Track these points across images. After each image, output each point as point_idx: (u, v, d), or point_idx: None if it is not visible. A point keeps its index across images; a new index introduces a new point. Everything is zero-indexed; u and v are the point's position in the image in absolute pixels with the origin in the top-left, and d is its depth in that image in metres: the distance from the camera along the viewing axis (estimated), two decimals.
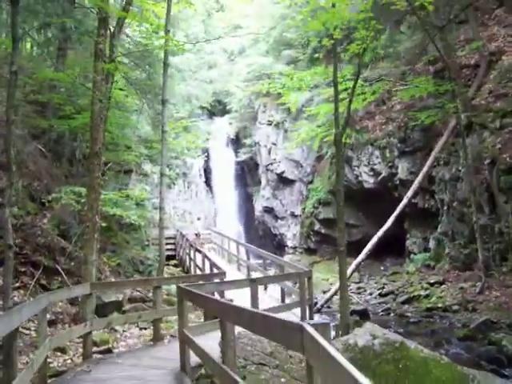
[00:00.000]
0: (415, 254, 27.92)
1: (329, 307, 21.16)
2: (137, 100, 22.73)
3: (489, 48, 23.89)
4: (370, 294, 22.66)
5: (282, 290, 16.23)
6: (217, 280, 12.23)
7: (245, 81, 39.34)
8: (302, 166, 36.87)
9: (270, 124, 37.53)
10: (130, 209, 18.57)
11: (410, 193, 22.76)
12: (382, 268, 29.51)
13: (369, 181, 30.09)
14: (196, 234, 31.69)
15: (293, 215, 37.26)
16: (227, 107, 44.96)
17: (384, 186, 29.28)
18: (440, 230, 25.44)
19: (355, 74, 15.14)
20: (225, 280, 12.29)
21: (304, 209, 36.17)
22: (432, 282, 21.05)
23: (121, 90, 20.35)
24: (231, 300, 11.73)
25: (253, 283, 10.71)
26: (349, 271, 21.20)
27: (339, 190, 14.21)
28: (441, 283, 20.88)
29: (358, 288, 23.27)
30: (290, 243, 36.90)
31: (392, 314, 19.20)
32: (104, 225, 15.57)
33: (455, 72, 22.21)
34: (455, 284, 20.24)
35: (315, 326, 3.55)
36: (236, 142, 45.38)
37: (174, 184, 38.72)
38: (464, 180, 22.60)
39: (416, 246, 28.31)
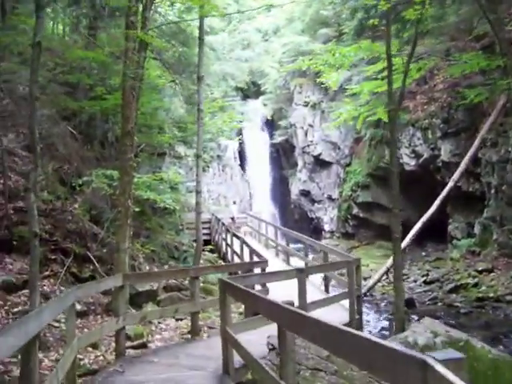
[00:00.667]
0: (458, 239, 26.80)
1: (371, 295, 20.24)
2: (170, 80, 21.97)
3: None
4: (415, 281, 21.66)
5: (326, 278, 15.35)
6: (258, 269, 11.44)
7: (280, 61, 38.28)
8: (339, 148, 35.82)
9: (307, 105, 36.49)
10: (165, 192, 17.86)
11: (456, 175, 21.66)
12: (424, 254, 28.44)
13: (410, 163, 28.95)
14: (232, 218, 31.00)
15: (330, 198, 36.32)
16: (262, 88, 43.97)
17: (425, 168, 28.14)
18: (486, 214, 24.28)
19: (412, 41, 13.98)
20: (268, 271, 11.48)
21: (341, 192, 35.21)
22: (480, 269, 19.99)
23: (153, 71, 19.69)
24: (267, 290, 10.97)
25: (301, 274, 9.76)
26: (391, 258, 20.30)
27: (393, 171, 13.40)
28: (489, 271, 19.81)
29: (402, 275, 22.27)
30: (327, 227, 36.00)
31: (440, 304, 18.20)
32: (137, 209, 14.99)
33: (506, 47, 20.88)
34: (505, 272, 19.14)
35: (446, 363, 2.37)
36: (271, 124, 44.47)
37: (208, 167, 38.03)
38: None
39: (459, 231, 27.17)
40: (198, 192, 14.16)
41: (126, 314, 8.94)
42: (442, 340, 7.12)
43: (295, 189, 38.73)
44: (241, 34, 44.70)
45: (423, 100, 28.59)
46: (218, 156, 39.25)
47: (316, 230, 37.34)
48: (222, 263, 20.48)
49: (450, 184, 21.53)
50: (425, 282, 20.78)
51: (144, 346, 9.78)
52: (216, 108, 19.82)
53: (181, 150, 31.90)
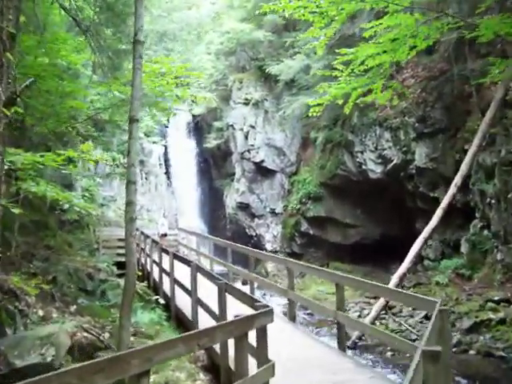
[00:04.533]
0: (431, 260, 22.52)
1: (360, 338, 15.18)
2: (88, 52, 16.26)
3: None
4: (411, 316, 16.75)
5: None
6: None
7: (217, 53, 33.18)
8: (284, 154, 31.02)
9: (248, 103, 31.45)
10: (73, 189, 12.21)
11: (458, 180, 17.10)
12: (391, 277, 23.88)
13: (375, 170, 24.47)
14: (163, 235, 25.49)
15: (273, 213, 31.35)
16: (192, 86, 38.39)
17: (395, 176, 23.74)
18: (473, 230, 20.06)
19: None
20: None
21: (287, 205, 30.37)
22: (496, 299, 15.45)
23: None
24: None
25: None
26: (390, 285, 15.48)
27: None
28: (508, 301, 15.34)
29: (388, 308, 17.27)
30: (269, 246, 30.98)
31: (472, 352, 13.37)
32: (34, 218, 9.40)
33: None
34: None
35: None
36: (200, 129, 39.23)
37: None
38: None
39: (432, 250, 22.94)
40: (131, 183, 8.71)
41: None
42: None
43: (231, 201, 33.37)
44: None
45: (392, 95, 24.24)
46: (141, 161, 33.41)
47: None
48: (160, 300, 14.78)
49: (452, 190, 16.92)
50: (426, 317, 15.87)
51: None
52: (157, 70, 14.35)
53: (96, 152, 26.05)
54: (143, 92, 12.56)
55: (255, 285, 15.65)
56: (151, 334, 10.65)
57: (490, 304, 15.21)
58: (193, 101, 34.55)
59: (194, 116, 39.61)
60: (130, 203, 8.63)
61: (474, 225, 20.05)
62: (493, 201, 18.19)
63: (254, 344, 6.62)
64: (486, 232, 19.37)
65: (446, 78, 22.29)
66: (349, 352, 11.19)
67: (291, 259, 13.79)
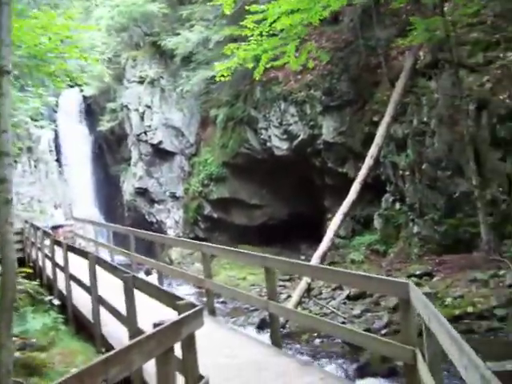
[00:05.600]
0: (342, 237, 21.71)
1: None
2: None
3: None
4: (333, 298, 15.57)
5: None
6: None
7: (108, 29, 30.72)
8: (183, 135, 29.29)
9: (142, 82, 29.32)
10: None
11: (373, 150, 16.21)
12: (303, 258, 22.97)
13: (281, 147, 23.36)
14: (57, 227, 23.07)
15: (174, 197, 29.60)
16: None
17: (302, 152, 22.78)
18: (385, 204, 19.47)
19: None
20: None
21: (188, 189, 28.73)
22: (418, 273, 14.70)
23: None
24: None
25: None
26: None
27: None
28: (429, 275, 14.66)
29: (308, 290, 16.05)
30: (171, 232, 29.22)
31: None
32: None
33: None
34: (455, 275, 14.02)
35: None
36: (93, 112, 36.65)
37: (15, 161, 29.43)
38: (436, 134, 16.58)
39: (342, 227, 22.15)
40: (4, 154, 6.65)
41: None
42: None
43: (129, 187, 31.20)
44: None
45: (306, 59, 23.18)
46: (29, 148, 30.58)
47: None
48: (54, 300, 12.70)
49: (369, 162, 16.01)
50: (349, 297, 14.85)
51: None
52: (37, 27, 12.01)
53: None
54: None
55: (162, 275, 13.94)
56: (44, 345, 8.78)
57: (412, 279, 14.42)
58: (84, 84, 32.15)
59: (85, 98, 36.96)
60: (2, 180, 6.57)
61: (386, 199, 19.46)
62: (406, 173, 17.57)
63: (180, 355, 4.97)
64: (398, 206, 18.82)
65: (351, 49, 21.53)
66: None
67: (206, 243, 12.12)
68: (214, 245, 11.94)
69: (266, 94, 23.50)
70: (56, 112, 37.39)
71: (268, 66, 13.81)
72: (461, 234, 15.75)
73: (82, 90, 35.57)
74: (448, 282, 13.58)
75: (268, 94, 23.37)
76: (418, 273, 14.76)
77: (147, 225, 31.14)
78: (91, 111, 37.40)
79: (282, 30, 12.34)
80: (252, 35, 11.84)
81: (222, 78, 13.39)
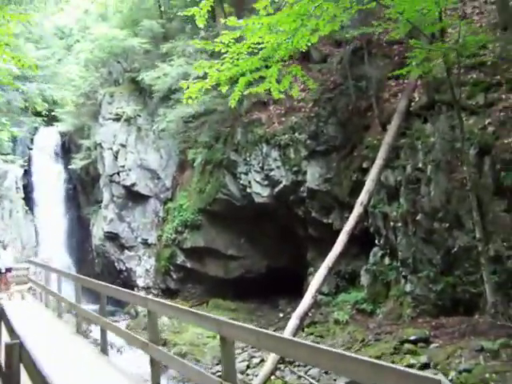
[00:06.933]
0: (325, 294, 19.70)
1: None
2: None
3: None
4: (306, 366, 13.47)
5: None
6: None
7: (86, 63, 29.23)
8: (159, 178, 27.45)
9: (119, 119, 27.65)
10: None
11: (364, 197, 14.39)
12: (281, 315, 20.95)
13: (262, 193, 21.58)
14: (1, 271, 20.77)
15: (145, 244, 27.49)
16: (57, 108, 33.94)
17: (284, 199, 21.03)
18: (373, 259, 17.61)
19: None
20: None
21: (161, 235, 26.68)
22: (412, 338, 12.67)
23: None
24: None
25: None
26: (289, 328, 12.32)
27: None
28: (426, 341, 12.62)
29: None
30: (141, 282, 27.07)
31: None
32: None
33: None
34: (457, 342, 11.97)
35: None
36: (68, 150, 34.92)
37: None
38: (433, 182, 14.88)
39: (325, 283, 20.21)
40: None
41: None
42: None
43: (99, 231, 29.06)
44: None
45: (279, 110, 21.66)
46: None
47: (126, 287, 27.71)
48: None
49: (358, 210, 14.17)
50: None
51: None
52: None
53: None
54: None
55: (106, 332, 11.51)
56: None
57: (406, 345, 12.45)
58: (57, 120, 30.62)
59: (61, 135, 35.37)
60: None
61: (375, 253, 17.66)
62: (398, 224, 15.79)
63: None
64: (388, 260, 17.00)
65: (340, 90, 20.11)
66: None
67: (152, 298, 9.56)
68: (160, 300, 9.46)
69: (247, 137, 21.89)
70: (31, 149, 35.93)
71: (246, 92, 12.08)
72: (460, 293, 13.90)
73: (56, 126, 34.05)
74: (449, 351, 11.52)
75: (250, 136, 21.77)
76: (412, 338, 12.73)
77: (116, 273, 28.97)
78: (68, 149, 35.71)
79: (261, 50, 10.70)
80: (227, 52, 10.18)
81: (190, 101, 11.61)
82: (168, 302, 9.36)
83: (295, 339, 5.56)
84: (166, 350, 11.50)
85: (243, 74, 11.24)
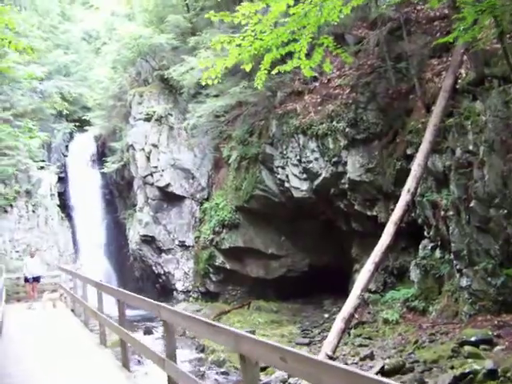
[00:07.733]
0: (372, 292, 18.45)
1: None
2: None
3: None
4: (359, 365, 12.28)
5: None
6: None
7: (114, 64, 28.61)
8: (194, 177, 26.57)
9: (149, 119, 26.87)
10: None
11: (411, 184, 13.05)
12: (326, 316, 19.76)
13: (300, 187, 20.46)
14: (28, 280, 20.16)
15: (183, 246, 26.65)
16: (89, 105, 33.61)
17: (324, 193, 19.86)
18: (423, 252, 16.24)
19: None
20: None
21: (199, 237, 25.78)
22: (473, 340, 11.34)
23: None
24: None
25: None
26: (333, 332, 11.19)
27: None
28: (489, 342, 11.26)
29: (330, 358, 12.82)
30: (179, 286, 26.26)
31: None
32: None
33: None
34: None
35: None
36: (102, 155, 34.49)
37: (11, 206, 26.98)
38: (487, 164, 13.49)
39: (372, 280, 18.90)
40: None
41: None
42: None
43: (135, 235, 28.33)
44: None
45: (315, 99, 20.49)
46: (28, 192, 28.11)
47: (165, 291, 27.24)
48: None
49: (406, 198, 12.84)
50: (382, 371, 11.45)
51: None
52: None
53: None
54: None
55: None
56: None
57: (466, 348, 11.11)
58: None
59: (95, 140, 35.07)
60: None
61: (424, 246, 16.29)
62: (450, 213, 14.39)
63: None
64: (439, 253, 15.61)
65: (378, 73, 18.83)
66: None
67: (166, 305, 7.88)
68: (172, 308, 7.67)
69: (282, 128, 20.78)
70: (66, 156, 35.75)
71: (273, 72, 10.92)
72: None
73: (87, 130, 33.80)
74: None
75: (285, 127, 20.65)
76: (472, 339, 11.37)
77: (154, 277, 28.26)
78: (102, 154, 35.28)
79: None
80: (247, 24, 9.07)
81: (209, 82, 10.56)
82: (183, 311, 7.95)
83: (331, 362, 4.11)
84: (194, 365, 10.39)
85: (269, 50, 10.13)
